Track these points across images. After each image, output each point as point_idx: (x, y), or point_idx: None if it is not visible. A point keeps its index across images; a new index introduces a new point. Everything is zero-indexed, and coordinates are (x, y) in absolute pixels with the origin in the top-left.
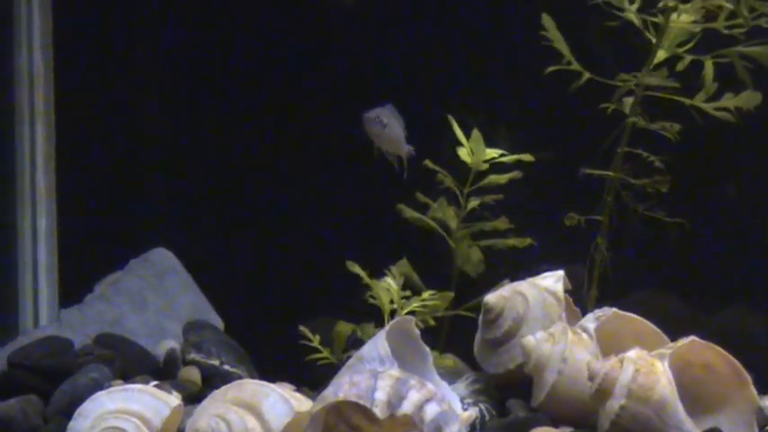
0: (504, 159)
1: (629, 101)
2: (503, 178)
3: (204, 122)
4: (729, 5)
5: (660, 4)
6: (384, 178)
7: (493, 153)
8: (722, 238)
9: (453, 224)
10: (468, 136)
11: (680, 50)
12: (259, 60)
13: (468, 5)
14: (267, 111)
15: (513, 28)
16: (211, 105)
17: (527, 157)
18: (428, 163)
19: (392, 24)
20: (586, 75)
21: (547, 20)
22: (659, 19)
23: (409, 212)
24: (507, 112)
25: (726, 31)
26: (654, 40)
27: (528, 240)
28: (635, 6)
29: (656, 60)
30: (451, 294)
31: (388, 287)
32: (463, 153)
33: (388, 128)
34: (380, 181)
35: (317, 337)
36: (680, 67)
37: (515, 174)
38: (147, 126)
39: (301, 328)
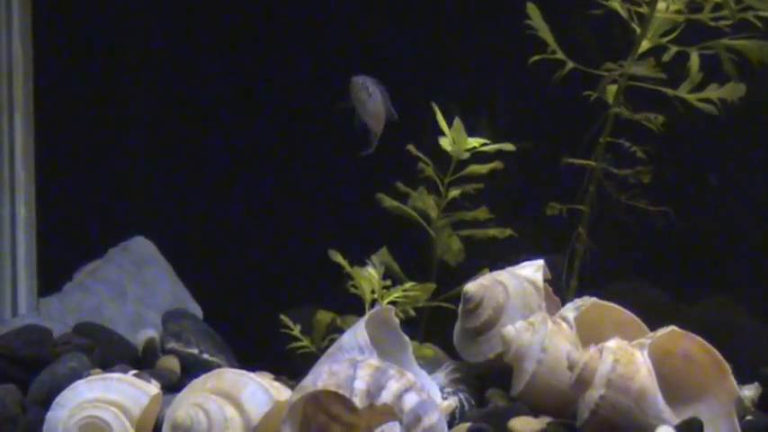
0: (485, 149)
1: (612, 90)
2: (484, 168)
3: (184, 112)
4: None
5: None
6: (364, 167)
7: (474, 142)
8: (703, 229)
9: (433, 214)
10: (449, 124)
11: (664, 41)
12: (238, 52)
13: None
14: (246, 101)
15: (497, 16)
16: (190, 94)
17: (508, 147)
18: (411, 149)
19: (375, 14)
20: (570, 64)
21: (531, 9)
22: (644, 9)
23: (389, 202)
24: (490, 100)
25: (712, 23)
26: (638, 31)
27: (508, 231)
28: None
29: (640, 50)
30: (433, 285)
31: (369, 277)
32: (444, 142)
33: (373, 97)
34: (361, 170)
35: (298, 326)
36: (665, 57)
37: (496, 164)
38: (126, 116)
39: (282, 317)
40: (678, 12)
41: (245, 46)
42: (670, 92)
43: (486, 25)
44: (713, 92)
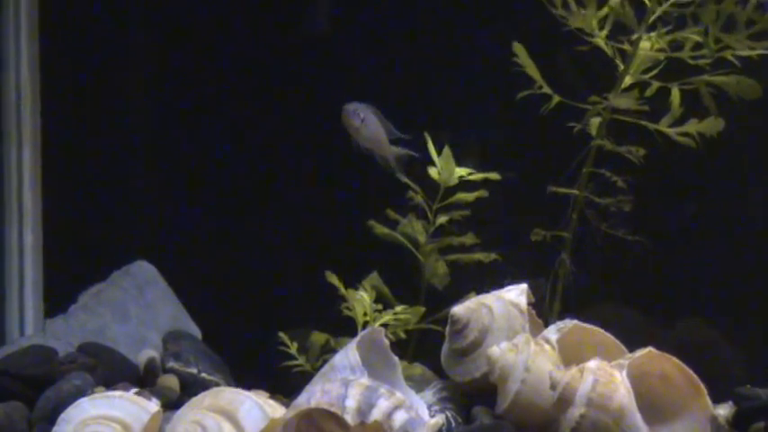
0: (472, 177)
1: (595, 122)
2: (471, 196)
3: (182, 143)
4: (696, 37)
5: (633, 37)
6: (357, 194)
7: (462, 171)
8: (679, 256)
9: (422, 239)
10: (439, 153)
11: (646, 77)
12: (238, 83)
13: (444, 30)
14: (244, 129)
15: (487, 51)
16: (189, 127)
17: (493, 176)
18: (400, 177)
19: (367, 45)
20: (556, 98)
21: (518, 47)
22: (626, 46)
23: (379, 228)
24: (480, 131)
25: (691, 62)
26: (622, 67)
27: (493, 255)
28: (604, 33)
29: (623, 85)
30: (422, 309)
31: (361, 300)
32: (433, 171)
33: (366, 123)
34: (354, 198)
35: (294, 346)
36: (648, 93)
37: (482, 192)
38: (129, 148)
39: (280, 334)
40: (660, 50)
41: (250, 79)
42: (651, 126)
43: (476, 60)
44: (693, 127)
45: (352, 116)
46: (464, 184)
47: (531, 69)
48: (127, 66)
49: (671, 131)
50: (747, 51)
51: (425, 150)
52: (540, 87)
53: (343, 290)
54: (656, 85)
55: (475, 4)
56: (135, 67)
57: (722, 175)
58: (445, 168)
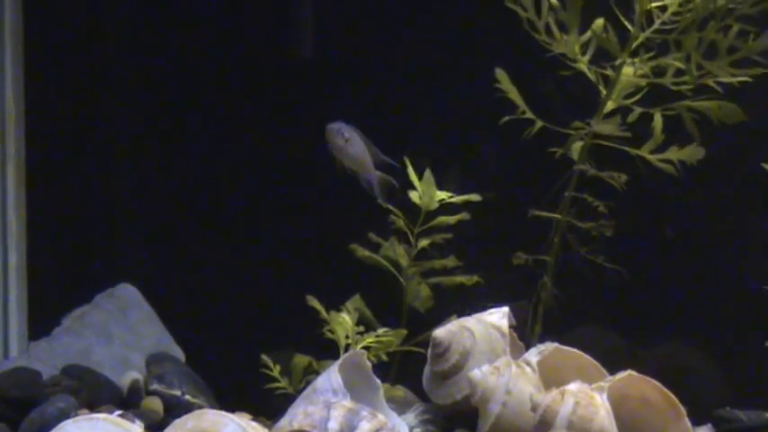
0: (453, 200)
1: (578, 147)
2: (452, 219)
3: (166, 170)
4: (678, 63)
5: (617, 62)
6: (339, 217)
7: (442, 195)
8: (659, 280)
9: (404, 262)
10: (420, 177)
11: (629, 102)
12: (221, 114)
13: (429, 54)
14: (227, 155)
15: (471, 75)
16: (173, 155)
17: (474, 198)
18: (382, 203)
19: (352, 70)
20: (539, 123)
21: (500, 73)
22: (610, 72)
23: (362, 251)
24: (462, 155)
25: (674, 87)
26: (604, 92)
27: (474, 278)
28: (586, 58)
29: (605, 110)
30: (404, 332)
31: (343, 322)
32: (414, 195)
33: (350, 143)
34: (336, 222)
35: (277, 367)
36: (631, 118)
37: (463, 215)
38: (113, 173)
39: (263, 356)
40: (643, 76)
41: (234, 102)
42: (633, 151)
43: (459, 85)
44: (673, 154)
45: (336, 135)
46: (446, 207)
47: (514, 94)
48: (110, 92)
49: (653, 158)
50: (729, 78)
51: (407, 175)
52: (523, 112)
53: (324, 313)
54: (638, 110)
55: (456, 29)
56: (118, 93)
57: (699, 202)
58: (426, 192)
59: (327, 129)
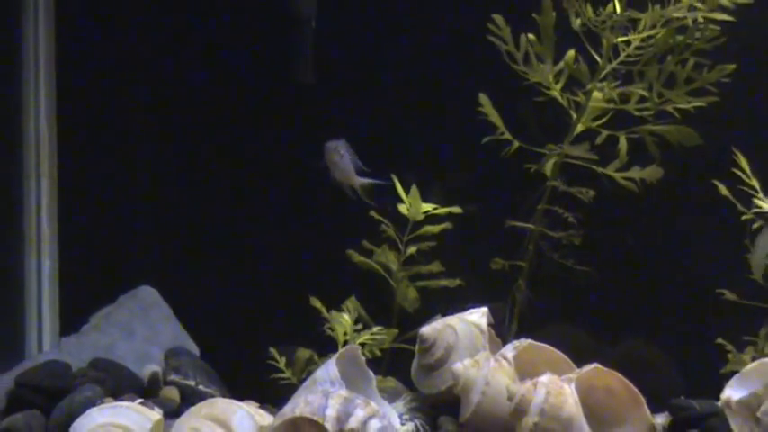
0: (437, 212)
1: (550, 165)
2: (436, 228)
3: (179, 188)
4: (641, 91)
5: (588, 87)
6: (337, 227)
7: (427, 207)
8: (622, 284)
9: (394, 267)
10: (407, 191)
11: (596, 124)
12: (237, 118)
13: (416, 82)
14: (239, 172)
15: (455, 101)
16: (185, 173)
17: (456, 210)
18: (374, 214)
19: (349, 94)
20: (516, 143)
21: (483, 98)
22: (579, 98)
23: (357, 257)
24: (449, 170)
25: (637, 113)
26: (575, 116)
27: (457, 281)
28: (559, 86)
29: (575, 132)
30: (395, 331)
31: (343, 321)
32: (402, 208)
33: (342, 159)
34: (335, 231)
35: (283, 360)
36: (599, 140)
37: (447, 225)
38: (135, 188)
39: (272, 350)
40: (609, 101)
41: (247, 113)
42: (599, 169)
43: (445, 110)
44: (636, 173)
45: (334, 152)
46: (431, 218)
47: (494, 117)
48: (132, 114)
49: (617, 176)
50: (686, 105)
51: (388, 179)
52: (502, 133)
53: (325, 312)
54: (605, 133)
55: (443, 60)
56: (139, 115)
57: (656, 215)
58: (413, 205)
59: (325, 147)
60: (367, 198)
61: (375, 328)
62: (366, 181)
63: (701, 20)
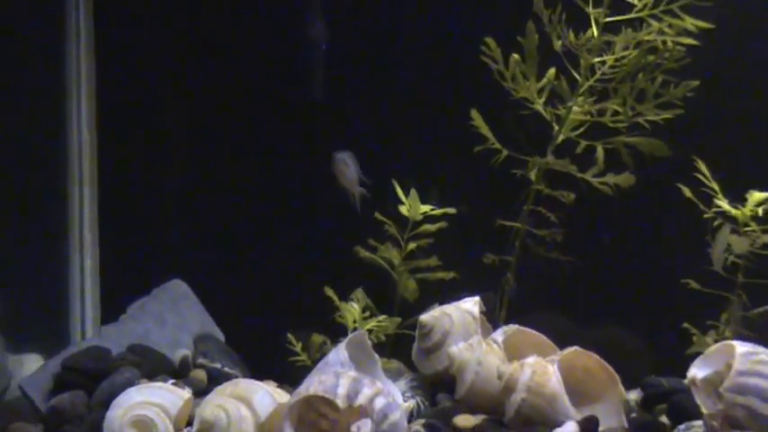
0: (434, 212)
1: (534, 171)
2: (433, 227)
3: (206, 192)
4: (615, 105)
5: (569, 103)
6: (347, 226)
7: (425, 208)
8: (598, 276)
9: (396, 262)
10: (407, 194)
11: (574, 135)
12: (258, 131)
13: (415, 98)
14: (262, 179)
15: (450, 115)
16: (211, 180)
17: (450, 211)
18: (377, 215)
19: (358, 109)
20: (505, 152)
21: (474, 114)
22: (561, 111)
23: (364, 253)
24: (444, 175)
25: (612, 125)
26: (556, 127)
27: (452, 274)
28: (542, 100)
29: (557, 142)
30: (398, 319)
31: (352, 310)
32: (403, 209)
33: (349, 168)
34: (344, 230)
35: (299, 344)
36: (578, 150)
37: (443, 224)
38: (166, 193)
39: (289, 335)
40: (587, 114)
41: (274, 118)
42: (579, 175)
43: (442, 122)
44: (611, 179)
45: (340, 162)
46: (429, 218)
47: (485, 130)
48: (162, 131)
49: (595, 181)
50: (655, 117)
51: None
52: (493, 143)
53: (337, 302)
54: (584, 143)
55: (440, 82)
56: (174, 124)
57: (629, 214)
58: (412, 206)
59: (335, 158)
60: (359, 204)
61: (381, 317)
62: (363, 191)
63: (669, 43)
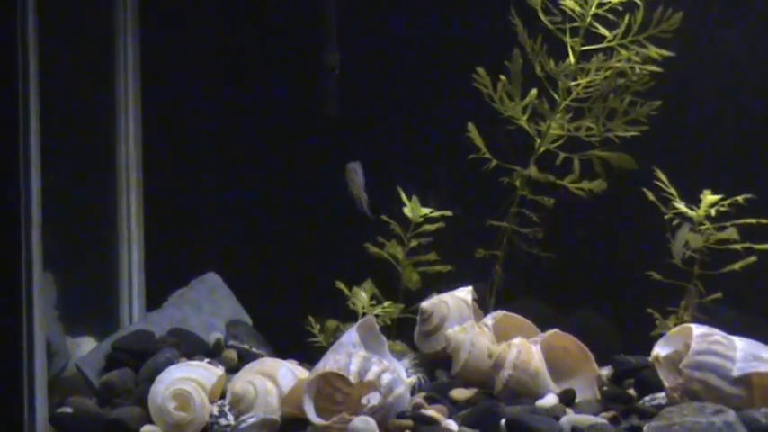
0: (432, 215)
1: (519, 178)
2: (432, 227)
3: (236, 196)
4: (589, 123)
5: (549, 121)
6: (358, 226)
7: (425, 211)
8: (575, 266)
9: (400, 256)
10: (410, 199)
11: (553, 146)
12: (281, 144)
13: (417, 114)
14: (285, 183)
15: (447, 130)
16: (242, 183)
17: (447, 213)
18: (384, 218)
19: (364, 125)
20: (494, 161)
21: (471, 128)
22: (542, 127)
23: (372, 248)
24: (441, 181)
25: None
26: (538, 141)
27: (448, 267)
28: (526, 117)
29: (539, 153)
30: (401, 305)
31: (361, 298)
32: (406, 211)
33: (358, 176)
34: (356, 230)
35: (317, 327)
36: (557, 162)
37: (441, 224)
38: (202, 196)
39: (310, 318)
40: (565, 129)
41: (299, 124)
42: (558, 182)
43: (440, 136)
44: (586, 185)
45: (351, 171)
46: (428, 219)
47: (478, 141)
48: (202, 140)
49: (572, 186)
50: (624, 133)
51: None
52: (484, 153)
53: (347, 291)
54: (562, 155)
55: (438, 100)
56: (209, 141)
57: (601, 215)
58: (414, 209)
59: (347, 167)
60: (366, 210)
61: (386, 303)
62: (366, 198)
63: (637, 69)
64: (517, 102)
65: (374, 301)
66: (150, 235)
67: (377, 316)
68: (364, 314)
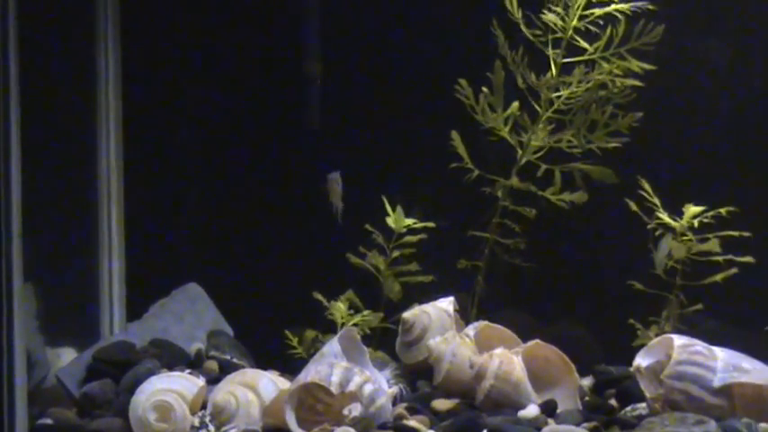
0: (415, 225)
1: (501, 189)
2: (415, 238)
3: (215, 208)
4: (570, 136)
5: (529, 133)
6: (339, 236)
7: (408, 221)
8: (557, 277)
9: (382, 267)
10: (393, 210)
11: (535, 157)
12: (261, 154)
13: (400, 125)
14: (262, 195)
15: (431, 140)
16: (220, 194)
17: (430, 225)
18: (368, 227)
19: (344, 136)
20: (476, 171)
21: (455, 135)
22: (524, 138)
23: (354, 259)
24: (423, 191)
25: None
26: (520, 152)
27: (430, 277)
28: (508, 128)
29: (520, 164)
30: (381, 314)
31: (339, 309)
32: (389, 221)
33: (339, 186)
34: (339, 239)
35: (296, 339)
36: (539, 173)
37: (423, 235)
38: (181, 209)
39: (286, 332)
40: (546, 141)
41: (288, 131)
42: (539, 193)
43: (424, 146)
44: (567, 196)
45: (332, 181)
46: (411, 230)
47: (462, 150)
48: (184, 150)
49: (553, 198)
50: (605, 144)
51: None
52: (467, 163)
53: (326, 303)
54: (544, 166)
55: (421, 111)
56: (190, 151)
57: (582, 226)
58: (397, 220)
59: (329, 176)
60: (339, 218)
61: (365, 312)
62: (341, 205)
63: (617, 81)
64: (499, 113)
65: (352, 311)
66: (131, 245)
67: (356, 325)
68: (343, 324)
